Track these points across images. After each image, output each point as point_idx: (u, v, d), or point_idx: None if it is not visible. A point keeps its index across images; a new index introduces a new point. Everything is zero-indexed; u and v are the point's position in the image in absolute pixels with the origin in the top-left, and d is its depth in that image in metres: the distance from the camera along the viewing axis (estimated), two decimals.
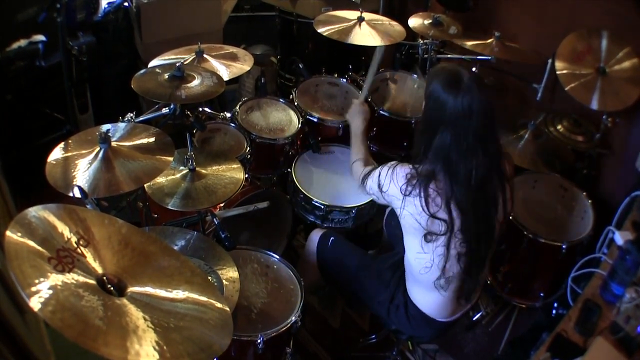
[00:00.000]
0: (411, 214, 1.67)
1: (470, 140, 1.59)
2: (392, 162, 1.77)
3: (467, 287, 1.82)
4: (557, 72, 2.53)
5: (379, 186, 1.77)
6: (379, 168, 1.82)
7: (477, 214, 1.66)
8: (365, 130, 2.27)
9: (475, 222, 1.67)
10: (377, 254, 2.56)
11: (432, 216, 1.63)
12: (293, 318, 1.86)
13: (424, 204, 1.63)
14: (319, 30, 2.66)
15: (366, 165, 2.06)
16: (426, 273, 1.75)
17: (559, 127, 2.84)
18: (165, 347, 1.02)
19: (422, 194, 1.63)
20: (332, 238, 2.15)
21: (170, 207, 1.90)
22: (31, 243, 1.04)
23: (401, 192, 1.67)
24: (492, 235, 1.75)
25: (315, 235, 2.21)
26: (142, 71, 2.11)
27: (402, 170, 1.70)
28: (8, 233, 1.02)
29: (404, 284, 1.93)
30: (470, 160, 1.60)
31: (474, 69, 2.96)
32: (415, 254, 1.76)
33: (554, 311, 2.31)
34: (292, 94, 2.77)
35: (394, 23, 2.83)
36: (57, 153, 1.70)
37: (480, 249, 1.73)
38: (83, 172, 1.62)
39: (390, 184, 1.72)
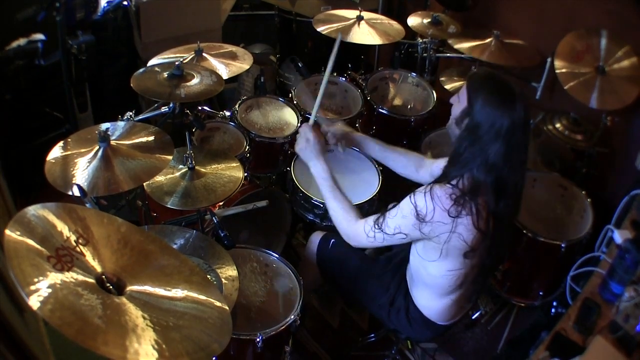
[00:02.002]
0: (459, 235, 1.55)
1: (522, 153, 1.57)
2: (422, 188, 1.59)
3: (478, 289, 1.83)
4: (557, 71, 2.53)
5: (418, 217, 1.56)
6: (405, 201, 1.61)
7: (508, 222, 1.66)
8: (327, 164, 1.91)
9: (505, 228, 1.66)
10: (374, 251, 2.56)
11: (481, 231, 1.55)
12: (292, 317, 1.86)
13: (475, 220, 1.53)
14: (318, 29, 2.66)
15: (358, 217, 1.78)
16: (452, 284, 1.73)
17: (558, 126, 2.84)
18: (164, 346, 1.02)
19: (473, 210, 1.53)
20: (332, 240, 2.14)
21: (169, 206, 1.90)
22: (30, 242, 1.04)
23: (450, 215, 1.53)
24: (510, 239, 1.77)
25: (316, 237, 2.21)
26: (141, 70, 2.11)
27: (444, 192, 1.55)
28: (7, 232, 1.02)
29: (404, 287, 1.92)
30: (518, 173, 1.58)
31: (473, 68, 2.96)
32: (446, 271, 1.68)
33: (553, 310, 2.32)
34: (292, 93, 2.77)
35: (393, 22, 2.83)
36: (56, 152, 1.70)
37: (500, 251, 1.73)
38: (82, 171, 1.62)
39: (436, 209, 1.54)
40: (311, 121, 1.98)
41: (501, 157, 1.52)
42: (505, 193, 1.56)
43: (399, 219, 1.62)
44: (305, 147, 1.91)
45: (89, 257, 1.12)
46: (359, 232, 1.73)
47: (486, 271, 1.76)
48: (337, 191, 1.83)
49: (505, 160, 1.53)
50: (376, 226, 1.68)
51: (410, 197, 1.60)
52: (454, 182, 1.58)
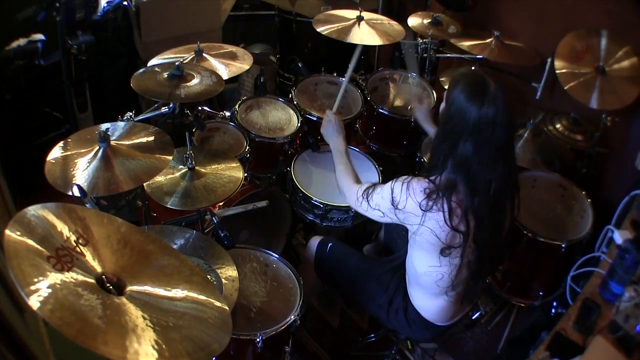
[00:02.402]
0: (431, 230, 1.60)
1: (492, 151, 1.55)
2: (404, 177, 1.68)
3: (472, 291, 1.82)
4: (557, 71, 2.53)
5: (393, 203, 1.66)
6: (388, 184, 1.71)
7: (492, 223, 1.65)
8: (346, 144, 2.15)
9: (489, 230, 1.65)
10: (373, 250, 2.56)
11: (454, 229, 1.58)
12: (292, 317, 1.86)
13: (447, 217, 1.57)
14: (318, 30, 2.66)
15: (358, 183, 1.95)
16: (436, 283, 1.74)
17: (558, 126, 2.84)
18: (164, 346, 1.02)
19: (445, 207, 1.57)
20: (330, 244, 2.15)
21: (169, 206, 1.90)
22: (30, 242, 1.04)
23: (421, 208, 1.59)
24: (500, 240, 1.75)
25: (314, 241, 2.21)
26: (141, 70, 2.11)
27: (419, 185, 1.62)
28: (7, 232, 1.02)
29: (403, 288, 1.93)
30: (491, 171, 1.57)
31: (473, 68, 2.96)
32: (428, 267, 1.71)
33: (553, 310, 2.32)
34: (292, 93, 2.77)
35: (393, 22, 2.83)
36: (56, 152, 1.70)
37: (490, 255, 1.72)
38: (82, 171, 1.62)
39: (408, 199, 1.62)
40: (334, 109, 2.36)
41: (469, 154, 1.55)
42: (477, 191, 1.58)
43: (379, 199, 1.74)
44: (328, 126, 2.21)
45: (89, 257, 1.12)
46: (352, 192, 1.88)
47: (478, 274, 1.75)
48: (347, 161, 2.05)
49: (475, 156, 1.55)
50: (364, 194, 1.81)
51: (392, 181, 1.70)
52: (432, 177, 1.62)
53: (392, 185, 1.68)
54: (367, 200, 1.78)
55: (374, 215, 1.78)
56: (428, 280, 1.75)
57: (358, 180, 1.97)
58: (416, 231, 1.64)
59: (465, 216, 1.59)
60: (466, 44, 2.86)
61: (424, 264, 1.72)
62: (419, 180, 1.63)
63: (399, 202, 1.64)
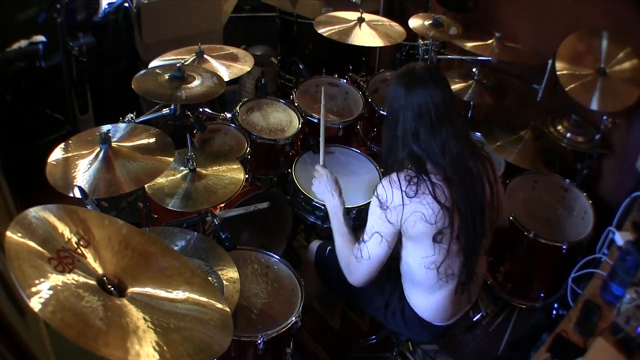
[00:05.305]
0: (422, 216, 1.61)
1: (432, 116, 1.62)
2: (380, 183, 1.69)
3: (465, 280, 1.80)
4: (557, 73, 2.53)
5: (381, 206, 1.66)
6: (369, 214, 1.72)
7: (467, 189, 1.66)
8: (342, 202, 1.95)
9: (467, 197, 1.66)
10: None
11: (444, 206, 1.61)
12: (293, 318, 1.86)
13: (433, 192, 1.60)
14: (319, 31, 2.66)
15: (351, 246, 1.83)
16: (429, 274, 1.74)
17: (559, 127, 2.84)
18: (165, 348, 1.02)
19: (428, 185, 1.61)
20: (329, 247, 2.14)
21: (170, 208, 1.90)
22: (31, 243, 1.04)
23: (408, 197, 1.62)
24: (483, 215, 1.72)
25: (314, 245, 2.22)
26: (142, 72, 2.11)
27: (400, 175, 1.65)
28: (8, 233, 1.02)
29: (400, 289, 1.92)
30: (440, 134, 1.63)
31: (474, 70, 2.96)
32: (421, 259, 1.72)
33: (554, 312, 2.32)
34: (293, 95, 2.77)
35: (394, 24, 2.83)
36: (57, 153, 1.70)
37: (475, 229, 1.70)
38: (83, 173, 1.63)
39: (393, 193, 1.63)
40: (321, 162, 2.08)
41: (411, 123, 1.65)
42: (438, 156, 1.63)
43: (370, 219, 1.72)
44: (318, 184, 2.02)
45: (90, 258, 1.13)
46: (351, 260, 1.79)
47: (468, 253, 1.73)
48: (345, 227, 1.89)
49: (416, 125, 1.64)
50: (358, 244, 1.76)
51: (374, 194, 1.70)
52: (407, 167, 1.67)
53: (375, 193, 1.69)
54: (363, 241, 1.73)
55: (374, 246, 1.71)
56: (423, 274, 1.75)
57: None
58: (410, 226, 1.65)
59: (447, 189, 1.63)
60: (467, 46, 2.86)
61: (417, 255, 1.73)
62: (399, 172, 1.67)
63: (386, 199, 1.65)
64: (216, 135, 2.49)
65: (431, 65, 1.66)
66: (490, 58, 2.74)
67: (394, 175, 1.66)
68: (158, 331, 1.05)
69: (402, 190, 1.63)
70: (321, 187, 2.00)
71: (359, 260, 1.75)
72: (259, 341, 1.74)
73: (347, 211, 2.33)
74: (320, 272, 2.17)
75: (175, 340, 1.06)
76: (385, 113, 2.69)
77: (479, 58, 2.82)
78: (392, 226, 1.67)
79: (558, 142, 2.77)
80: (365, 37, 2.66)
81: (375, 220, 1.70)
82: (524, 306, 2.63)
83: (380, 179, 2.42)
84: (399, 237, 1.73)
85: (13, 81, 2.80)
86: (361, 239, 1.75)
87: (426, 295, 1.83)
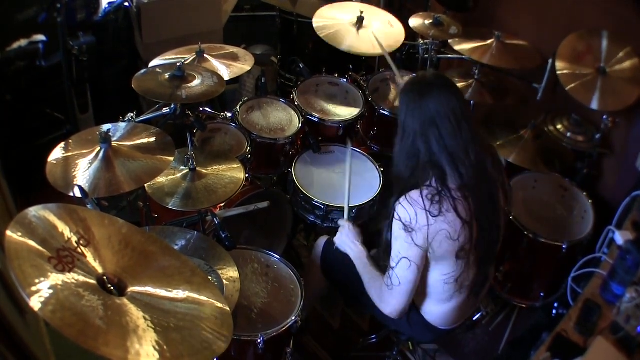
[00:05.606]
0: (447, 234, 1.59)
1: (452, 120, 1.61)
2: (399, 204, 1.63)
3: (478, 288, 1.81)
4: (558, 72, 2.53)
5: (406, 229, 1.61)
6: (392, 228, 1.67)
7: (483, 197, 1.66)
8: (365, 249, 1.96)
9: (483, 206, 1.66)
10: (380, 255, 2.55)
11: (465, 222, 1.59)
12: (293, 318, 1.86)
13: (455, 208, 1.58)
14: (319, 31, 2.66)
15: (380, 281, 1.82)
16: (447, 287, 1.74)
17: (559, 127, 2.84)
18: (165, 347, 1.02)
19: (451, 201, 1.58)
20: (336, 246, 2.15)
21: (170, 207, 1.90)
22: (31, 243, 1.04)
23: (431, 215, 1.58)
24: (498, 222, 1.74)
25: (321, 240, 2.22)
26: (142, 71, 2.11)
27: (418, 194, 1.61)
28: (8, 233, 1.02)
29: None
30: (462, 137, 1.61)
31: (474, 69, 2.96)
32: (442, 276, 1.71)
33: (554, 311, 2.32)
34: (293, 94, 2.77)
35: (394, 23, 2.83)
36: (57, 153, 1.71)
37: (492, 238, 1.72)
38: (83, 172, 1.63)
39: (417, 213, 1.59)
40: (345, 216, 2.15)
41: (436, 135, 1.61)
42: (460, 160, 1.61)
43: (395, 244, 1.67)
44: (340, 235, 2.03)
45: (90, 258, 1.13)
46: (383, 290, 1.75)
47: (484, 259, 1.74)
48: (372, 269, 1.87)
49: (441, 135, 1.61)
50: (387, 273, 1.72)
51: (394, 217, 1.65)
52: (427, 183, 1.63)
53: (396, 216, 1.64)
54: (392, 268, 1.69)
55: (405, 272, 1.66)
56: (440, 288, 1.75)
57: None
58: (436, 246, 1.62)
59: (466, 202, 1.61)
60: (467, 46, 2.86)
61: (439, 273, 1.71)
62: (415, 191, 1.62)
63: (410, 221, 1.60)
64: (216, 135, 2.49)
65: (439, 72, 1.64)
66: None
67: (413, 194, 1.61)
68: (158, 330, 1.05)
69: (426, 210, 1.58)
70: (342, 238, 2.01)
71: (390, 288, 1.71)
72: (259, 340, 1.74)
73: (347, 211, 2.33)
74: (326, 268, 2.17)
75: (175, 339, 1.06)
76: (386, 113, 2.69)
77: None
78: (419, 249, 1.63)
79: (558, 142, 2.78)
80: (365, 43, 2.66)
81: (400, 245, 1.65)
82: (524, 305, 2.63)
83: (381, 179, 2.46)
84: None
85: (13, 81, 2.80)
86: (389, 267, 1.71)
87: (438, 305, 1.84)
